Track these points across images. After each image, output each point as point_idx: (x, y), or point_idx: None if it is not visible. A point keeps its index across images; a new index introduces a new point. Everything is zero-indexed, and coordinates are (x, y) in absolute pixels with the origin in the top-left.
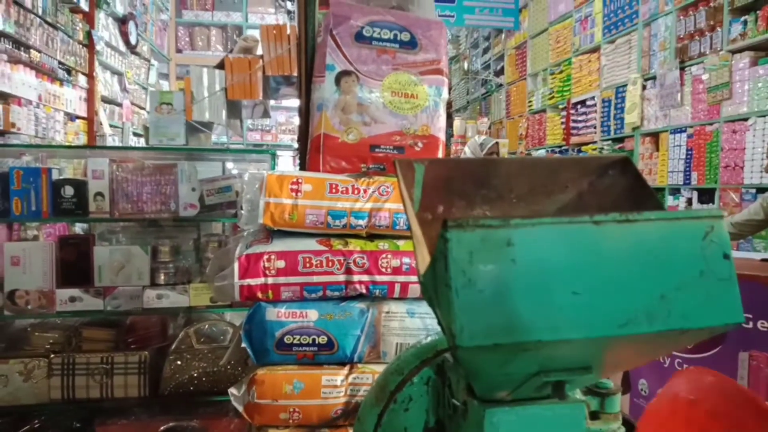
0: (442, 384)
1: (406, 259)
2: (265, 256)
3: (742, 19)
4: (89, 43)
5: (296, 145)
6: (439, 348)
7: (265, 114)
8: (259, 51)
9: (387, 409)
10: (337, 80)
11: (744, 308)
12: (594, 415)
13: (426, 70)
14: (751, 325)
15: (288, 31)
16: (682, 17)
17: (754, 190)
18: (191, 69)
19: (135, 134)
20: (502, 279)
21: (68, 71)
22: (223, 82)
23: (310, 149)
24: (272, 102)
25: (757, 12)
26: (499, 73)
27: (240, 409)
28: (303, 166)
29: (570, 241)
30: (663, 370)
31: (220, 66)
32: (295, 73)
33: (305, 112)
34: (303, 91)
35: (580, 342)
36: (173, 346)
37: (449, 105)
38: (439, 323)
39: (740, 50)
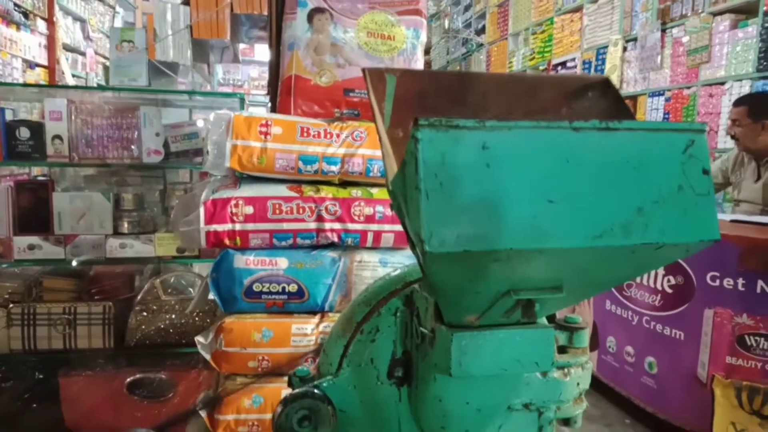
0: (410, 315)
1: (379, 208)
2: (233, 201)
3: None
4: None
5: (269, 101)
6: (407, 280)
7: (235, 59)
8: None
9: (353, 339)
10: (310, 18)
11: (711, 266)
12: (562, 350)
13: (404, 10)
14: (717, 282)
15: None
16: None
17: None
18: (154, 4)
19: (99, 85)
20: (475, 184)
21: (25, 14)
22: (188, 20)
23: (281, 92)
24: (244, 57)
25: None
26: (481, 32)
27: (207, 357)
28: (274, 110)
29: (547, 148)
30: (631, 328)
31: (186, 2)
32: (266, 12)
33: (276, 51)
34: (273, 29)
35: (553, 253)
36: (139, 297)
37: (428, 64)
38: (407, 233)
39: (721, 12)
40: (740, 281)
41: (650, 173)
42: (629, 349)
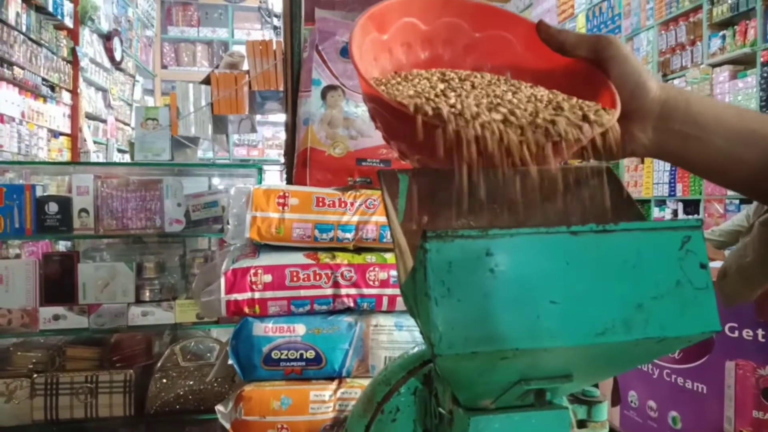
0: (429, 394)
1: (393, 272)
2: (252, 271)
3: (721, 33)
4: (73, 60)
5: (283, 160)
6: (425, 358)
7: (252, 129)
8: (245, 66)
9: (374, 419)
10: (323, 95)
11: (729, 317)
12: (581, 424)
13: None
14: (736, 334)
15: (274, 47)
16: (663, 32)
17: (737, 201)
18: (177, 85)
19: (119, 150)
20: (481, 289)
21: (52, 88)
22: (209, 98)
23: (297, 163)
24: (258, 117)
25: (735, 27)
26: None
27: (227, 426)
28: (290, 181)
29: (548, 251)
30: (652, 381)
31: (206, 81)
32: (281, 88)
33: (291, 127)
34: (289, 105)
35: (558, 350)
36: (159, 364)
37: None
38: (421, 332)
39: (720, 64)
40: (760, 332)
41: (648, 270)
42: (651, 403)
